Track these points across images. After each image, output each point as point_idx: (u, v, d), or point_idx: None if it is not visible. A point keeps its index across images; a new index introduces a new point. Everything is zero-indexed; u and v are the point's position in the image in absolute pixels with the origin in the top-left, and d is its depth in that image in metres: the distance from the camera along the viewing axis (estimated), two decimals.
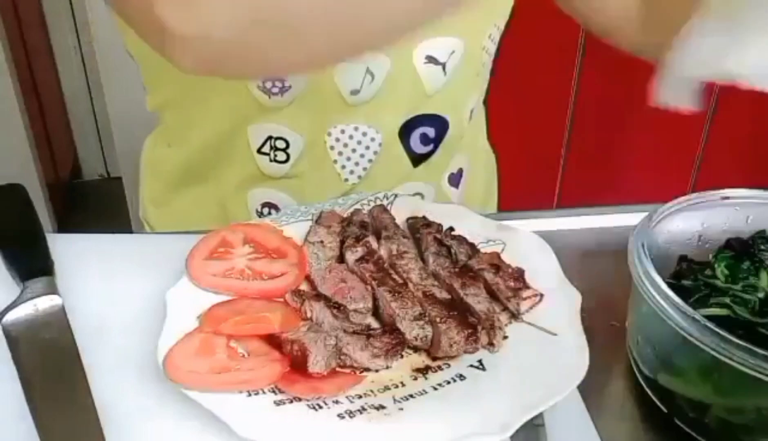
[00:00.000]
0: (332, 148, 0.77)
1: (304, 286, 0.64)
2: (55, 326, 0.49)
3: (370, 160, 0.78)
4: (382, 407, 0.53)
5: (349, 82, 0.73)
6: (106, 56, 2.04)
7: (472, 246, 0.67)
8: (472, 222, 0.70)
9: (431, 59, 0.74)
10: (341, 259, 0.66)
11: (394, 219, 0.70)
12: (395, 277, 0.63)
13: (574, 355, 0.55)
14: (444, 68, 0.76)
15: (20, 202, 0.63)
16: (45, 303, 0.49)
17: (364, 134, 0.77)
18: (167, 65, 0.53)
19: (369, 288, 0.62)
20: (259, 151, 0.78)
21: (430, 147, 0.80)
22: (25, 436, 0.50)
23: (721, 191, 0.65)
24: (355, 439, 0.51)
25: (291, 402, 0.53)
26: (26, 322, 0.48)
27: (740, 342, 0.48)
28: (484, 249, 0.67)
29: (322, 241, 0.67)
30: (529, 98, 1.76)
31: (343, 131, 0.76)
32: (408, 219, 0.70)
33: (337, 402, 0.54)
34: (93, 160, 2.55)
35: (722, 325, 0.50)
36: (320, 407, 0.53)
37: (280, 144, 0.77)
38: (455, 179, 0.86)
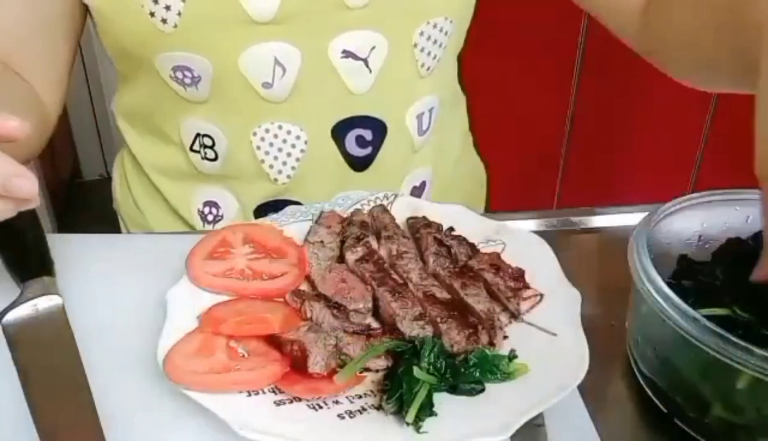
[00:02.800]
0: (258, 148, 0.77)
1: (304, 286, 0.64)
2: (55, 326, 0.49)
3: (297, 159, 0.78)
4: (382, 407, 0.53)
5: (257, 73, 0.72)
6: (106, 56, 2.04)
7: (472, 246, 0.67)
8: (472, 222, 0.70)
9: (349, 54, 0.73)
10: (341, 259, 0.66)
11: (394, 219, 0.70)
12: (395, 277, 0.63)
13: (574, 355, 0.55)
14: (367, 65, 0.74)
15: None
16: (45, 303, 0.49)
17: (289, 132, 0.76)
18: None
19: (369, 288, 0.62)
20: (191, 149, 0.79)
21: (368, 150, 0.79)
22: (25, 436, 0.50)
23: (721, 191, 0.65)
24: (354, 440, 0.51)
25: (291, 402, 0.53)
26: (26, 322, 0.48)
27: (740, 342, 0.48)
28: (484, 249, 0.67)
29: (322, 241, 0.67)
30: (530, 98, 1.76)
31: (267, 130, 0.76)
32: (408, 219, 0.70)
33: (337, 402, 0.54)
34: (93, 160, 2.55)
35: (722, 325, 0.50)
36: (320, 407, 0.53)
37: (207, 141, 0.78)
38: (418, 192, 0.85)
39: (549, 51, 1.72)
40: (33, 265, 0.55)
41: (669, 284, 0.54)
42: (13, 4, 0.71)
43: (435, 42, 0.76)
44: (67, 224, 2.23)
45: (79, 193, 2.49)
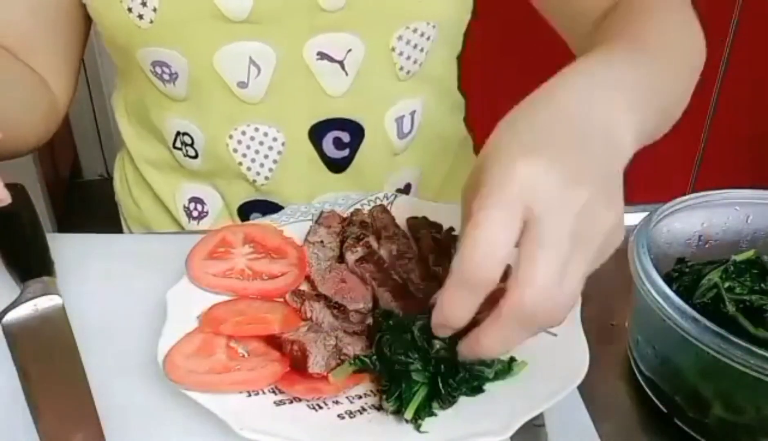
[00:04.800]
0: (235, 150, 0.77)
1: (304, 286, 0.64)
2: (55, 326, 0.49)
3: (275, 161, 0.78)
4: (382, 407, 0.53)
5: (232, 72, 0.72)
6: (106, 56, 2.04)
7: None
8: None
9: (324, 56, 0.72)
10: (341, 259, 0.66)
11: (394, 219, 0.70)
12: (395, 277, 0.63)
13: (574, 355, 0.55)
14: (343, 67, 0.74)
15: (20, 202, 0.63)
16: (45, 303, 0.49)
17: (266, 134, 0.76)
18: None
19: (369, 288, 0.62)
20: (173, 146, 0.80)
21: (346, 152, 0.79)
22: (24, 436, 0.50)
23: (721, 191, 0.65)
24: (355, 440, 0.51)
25: (291, 402, 0.53)
26: (26, 322, 0.48)
27: (740, 342, 0.49)
28: None
29: (322, 241, 0.67)
30: None
31: (244, 132, 0.76)
32: (408, 219, 0.70)
33: (337, 402, 0.54)
34: (93, 160, 2.55)
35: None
36: (320, 407, 0.53)
37: (187, 139, 0.78)
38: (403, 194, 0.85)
39: (548, 51, 1.72)
40: (33, 265, 0.55)
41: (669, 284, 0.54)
42: None
43: (416, 46, 0.75)
44: (67, 224, 2.23)
45: (79, 193, 2.50)
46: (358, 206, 0.72)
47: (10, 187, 0.64)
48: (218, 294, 0.61)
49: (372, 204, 0.72)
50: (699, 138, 1.87)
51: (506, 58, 1.69)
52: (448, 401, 0.52)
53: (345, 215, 0.71)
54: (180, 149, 0.79)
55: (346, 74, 0.74)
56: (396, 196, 0.73)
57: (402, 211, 0.71)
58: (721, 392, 0.53)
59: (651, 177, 1.88)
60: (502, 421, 0.50)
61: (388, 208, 0.72)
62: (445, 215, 0.70)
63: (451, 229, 0.69)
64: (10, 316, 0.48)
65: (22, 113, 0.72)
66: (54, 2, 0.74)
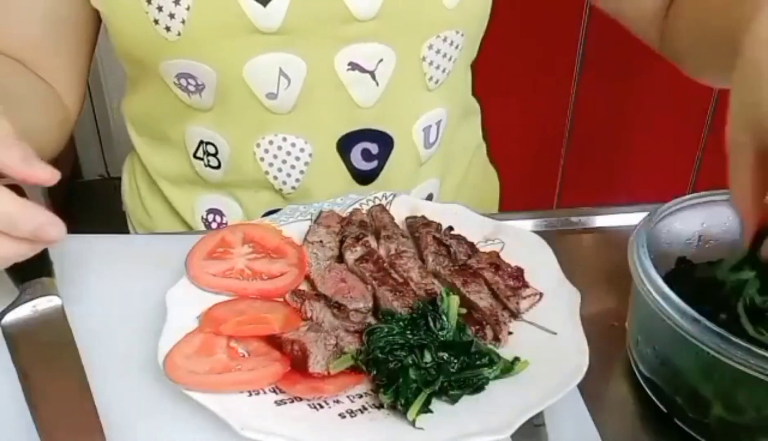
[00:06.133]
0: (262, 159, 0.76)
1: (304, 286, 0.64)
2: (55, 327, 0.49)
3: (302, 172, 0.77)
4: (383, 406, 0.53)
5: (262, 84, 0.71)
6: (106, 56, 2.04)
7: (471, 245, 0.67)
8: (471, 221, 0.70)
9: (355, 66, 0.72)
10: (341, 258, 0.66)
11: (393, 218, 0.70)
12: (395, 276, 0.63)
13: (574, 355, 0.55)
14: (374, 77, 0.73)
15: None
16: (44, 304, 0.49)
17: (293, 145, 0.75)
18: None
19: (369, 287, 0.62)
20: (194, 155, 0.79)
21: (374, 164, 0.78)
22: (24, 437, 0.50)
23: (721, 191, 0.65)
24: (356, 439, 0.51)
25: (292, 402, 0.53)
26: (25, 323, 0.48)
27: (740, 342, 0.48)
28: (483, 248, 0.67)
29: (321, 241, 0.67)
30: (530, 100, 1.76)
31: (271, 142, 0.75)
32: (407, 218, 0.70)
33: (338, 401, 0.54)
34: (93, 160, 2.55)
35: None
36: (321, 407, 0.53)
37: (210, 149, 0.77)
38: None
39: (549, 53, 1.72)
40: (32, 266, 0.55)
41: (669, 284, 0.54)
42: (31, 7, 0.72)
43: (444, 55, 0.75)
44: (67, 224, 2.23)
45: (79, 193, 2.49)
46: (356, 206, 0.72)
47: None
48: (218, 294, 0.61)
49: (371, 203, 0.72)
50: (699, 138, 1.87)
51: (518, 63, 1.68)
52: (450, 400, 0.53)
53: (344, 215, 0.71)
54: (201, 159, 0.79)
55: (377, 85, 0.73)
56: (395, 196, 0.73)
57: (401, 210, 0.71)
58: (721, 392, 0.53)
59: (651, 177, 1.88)
60: (502, 421, 0.50)
61: (387, 207, 0.72)
62: (444, 214, 0.70)
63: (450, 228, 0.69)
64: (10, 318, 0.48)
65: (39, 125, 0.72)
66: (65, 14, 0.73)
